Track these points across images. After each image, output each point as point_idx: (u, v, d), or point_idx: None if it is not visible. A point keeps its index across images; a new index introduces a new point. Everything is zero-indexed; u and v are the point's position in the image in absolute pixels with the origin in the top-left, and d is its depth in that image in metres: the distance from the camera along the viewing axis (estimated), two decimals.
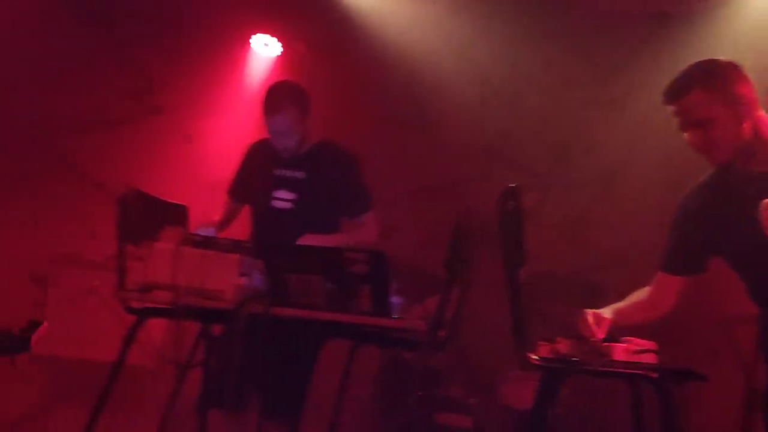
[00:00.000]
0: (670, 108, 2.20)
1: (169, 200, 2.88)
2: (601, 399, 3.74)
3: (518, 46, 4.61)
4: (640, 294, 2.37)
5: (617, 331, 2.19)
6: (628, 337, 2.12)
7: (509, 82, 4.73)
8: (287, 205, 2.99)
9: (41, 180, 4.38)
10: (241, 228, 3.22)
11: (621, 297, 2.42)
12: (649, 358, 2.10)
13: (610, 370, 2.09)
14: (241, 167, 3.19)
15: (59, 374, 4.23)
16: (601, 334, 2.10)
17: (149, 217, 2.64)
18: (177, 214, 2.80)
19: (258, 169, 3.10)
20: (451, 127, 4.84)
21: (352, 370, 2.84)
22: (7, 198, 4.28)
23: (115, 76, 4.56)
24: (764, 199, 1.93)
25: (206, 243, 2.44)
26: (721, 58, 2.23)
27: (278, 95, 2.97)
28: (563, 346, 2.09)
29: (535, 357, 2.11)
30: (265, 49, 4.64)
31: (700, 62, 2.21)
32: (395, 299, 2.32)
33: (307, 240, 2.75)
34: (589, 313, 2.16)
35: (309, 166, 3.04)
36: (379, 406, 4.01)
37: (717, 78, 2.15)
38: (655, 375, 2.07)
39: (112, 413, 3.99)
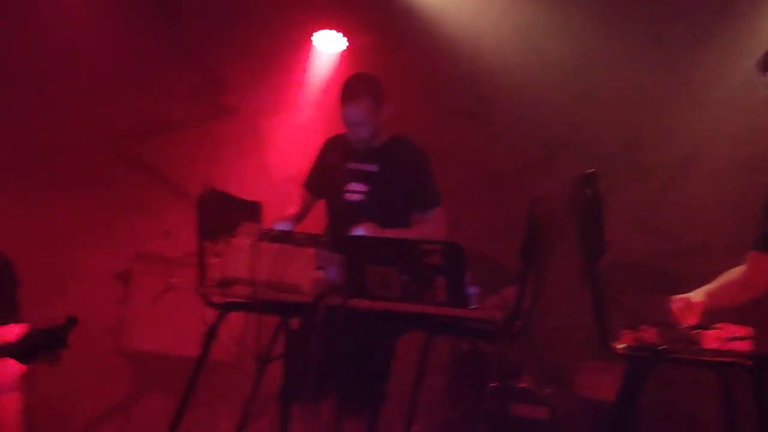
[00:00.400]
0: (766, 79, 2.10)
1: (243, 197, 2.97)
2: (686, 388, 3.64)
3: (585, 34, 4.52)
4: (731, 275, 2.29)
5: (708, 315, 2.12)
6: (720, 323, 2.05)
7: (575, 69, 4.64)
8: (359, 197, 3.03)
9: (117, 182, 4.55)
10: (316, 222, 3.28)
11: (698, 284, 2.36)
12: (743, 346, 2.02)
13: (700, 358, 2.03)
14: (316, 161, 3.24)
15: (144, 368, 4.40)
16: (694, 320, 2.04)
17: (225, 214, 2.71)
18: (251, 211, 2.87)
19: (333, 163, 3.15)
20: (514, 116, 4.79)
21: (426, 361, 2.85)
22: (85, 200, 4.45)
23: (184, 78, 4.68)
24: None
25: (283, 237, 2.48)
26: None
27: (354, 85, 3.02)
28: (649, 334, 2.04)
29: (621, 346, 2.07)
30: (329, 45, 4.67)
31: None
32: (471, 289, 2.32)
33: (366, 230, 2.78)
34: (678, 298, 2.10)
35: (382, 159, 3.07)
36: (451, 396, 4.02)
37: None
38: (749, 363, 2.00)
39: (196, 406, 4.15)
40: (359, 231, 2.77)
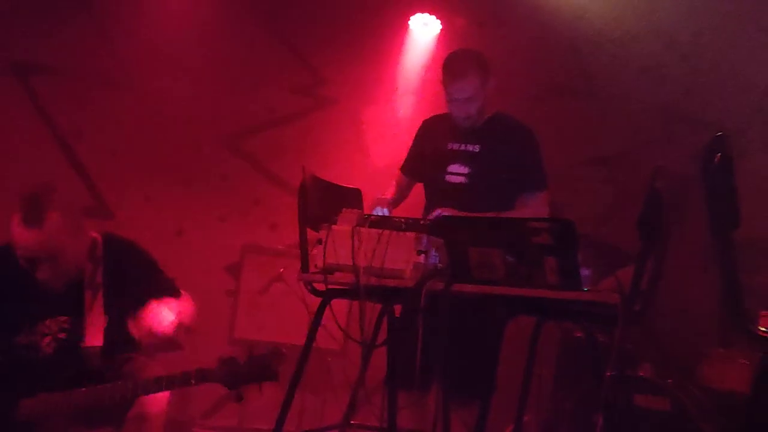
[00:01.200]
0: None
1: (343, 185, 2.95)
2: None
3: None
4: None
5: None
6: None
7: (692, 34, 4.32)
8: (461, 179, 2.94)
9: (230, 177, 4.67)
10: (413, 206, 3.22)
11: None
12: None
13: None
14: (414, 143, 3.17)
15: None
16: None
17: (326, 201, 2.70)
18: (352, 197, 2.85)
19: (432, 144, 3.06)
20: (622, 90, 4.54)
21: (526, 346, 2.72)
22: (195, 195, 4.60)
23: (285, 72, 4.74)
24: None
25: (382, 222, 2.44)
26: None
27: (462, 60, 2.93)
28: None
29: (763, 328, 1.87)
30: (424, 29, 4.60)
31: None
32: (583, 271, 2.18)
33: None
34: None
35: (484, 139, 2.96)
36: (562, 386, 3.86)
37: None
38: None
39: (303, 393, 4.23)
40: (378, 210, 2.71)
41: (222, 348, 4.48)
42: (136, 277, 2.60)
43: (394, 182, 3.19)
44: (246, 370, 2.33)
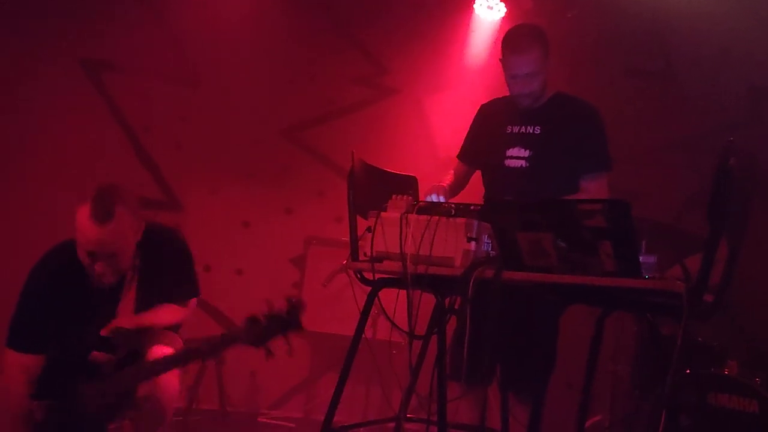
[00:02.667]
0: None
1: (398, 172, 2.87)
2: None
3: None
4: None
5: None
6: None
7: None
8: (521, 163, 2.80)
9: (294, 170, 4.68)
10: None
11: None
12: None
13: None
14: (471, 129, 3.05)
15: (320, 348, 4.50)
16: None
17: (379, 188, 2.63)
18: (407, 185, 2.77)
19: (490, 128, 2.94)
20: (705, 70, 4.25)
21: (605, 342, 2.53)
22: (260, 188, 4.63)
23: (348, 63, 4.70)
24: None
25: (432, 209, 2.34)
26: None
27: (523, 35, 2.80)
28: None
29: None
30: (489, 13, 4.45)
31: None
32: (646, 258, 2.00)
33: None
34: None
35: (545, 120, 2.81)
36: (638, 385, 3.64)
37: None
38: None
39: (370, 385, 4.18)
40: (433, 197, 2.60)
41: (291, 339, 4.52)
42: (164, 270, 2.61)
43: (452, 171, 3.08)
44: (269, 325, 2.28)
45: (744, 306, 3.17)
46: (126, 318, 2.49)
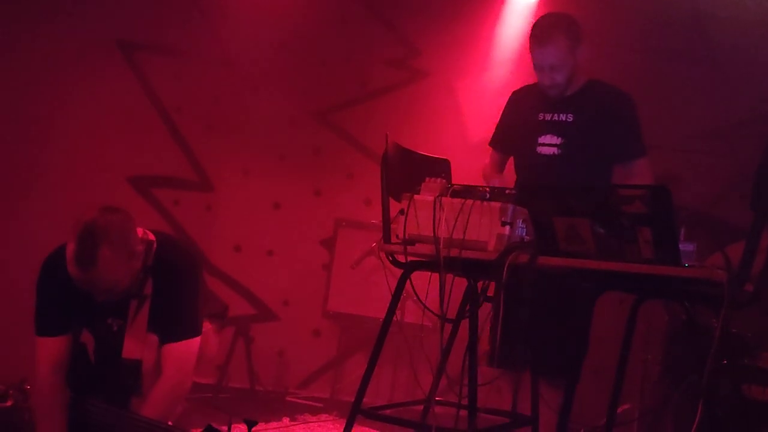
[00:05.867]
0: None
1: (431, 155, 2.84)
2: None
3: None
4: None
5: None
6: None
7: None
8: (553, 150, 2.79)
9: (325, 151, 4.69)
10: None
11: None
12: None
13: None
14: (503, 116, 3.03)
15: (348, 329, 4.53)
16: None
17: (412, 171, 2.61)
18: (440, 168, 2.74)
19: (522, 115, 2.91)
20: (747, 56, 4.15)
21: (638, 329, 2.50)
22: (291, 169, 4.65)
23: (376, 45, 4.68)
24: None
25: (466, 192, 2.32)
26: None
27: (546, 26, 2.76)
28: None
29: None
30: None
31: None
32: (685, 246, 1.97)
33: None
34: None
35: (578, 107, 2.78)
36: (670, 373, 3.60)
37: None
38: None
39: (398, 367, 4.19)
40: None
41: (316, 320, 4.56)
42: (174, 299, 2.44)
43: (488, 161, 3.06)
44: None
45: None
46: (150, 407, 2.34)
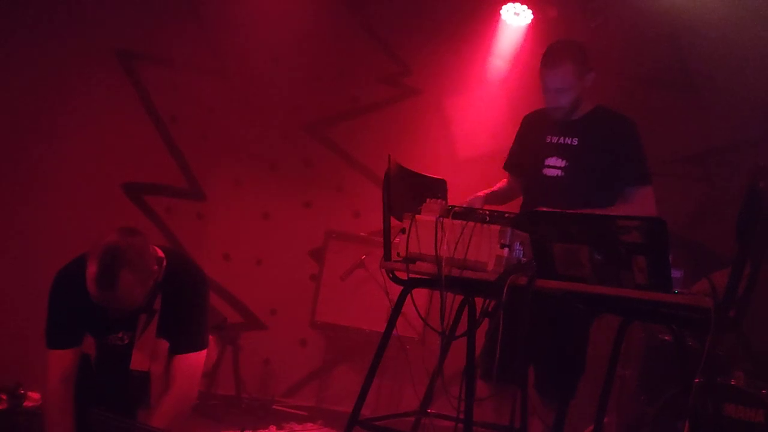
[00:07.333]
0: None
1: (428, 175, 2.94)
2: None
3: None
4: None
5: None
6: None
7: None
8: (557, 172, 2.88)
9: (315, 164, 4.76)
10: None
11: None
12: None
13: None
14: (516, 139, 3.13)
15: (335, 340, 4.60)
16: None
17: (411, 190, 2.70)
18: (436, 188, 2.84)
19: (531, 138, 3.02)
20: (725, 82, 4.32)
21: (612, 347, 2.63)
22: (281, 180, 4.71)
23: (371, 62, 4.77)
24: None
25: (467, 214, 2.42)
26: None
27: (558, 50, 2.87)
28: None
29: None
30: (515, 19, 4.52)
31: None
32: (675, 273, 2.10)
33: None
34: None
35: (583, 131, 2.89)
36: (645, 389, 3.74)
37: None
38: None
39: (381, 379, 4.27)
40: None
41: (304, 330, 4.62)
42: (183, 313, 2.53)
43: (505, 179, 3.16)
44: None
45: (749, 319, 3.27)
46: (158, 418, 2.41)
